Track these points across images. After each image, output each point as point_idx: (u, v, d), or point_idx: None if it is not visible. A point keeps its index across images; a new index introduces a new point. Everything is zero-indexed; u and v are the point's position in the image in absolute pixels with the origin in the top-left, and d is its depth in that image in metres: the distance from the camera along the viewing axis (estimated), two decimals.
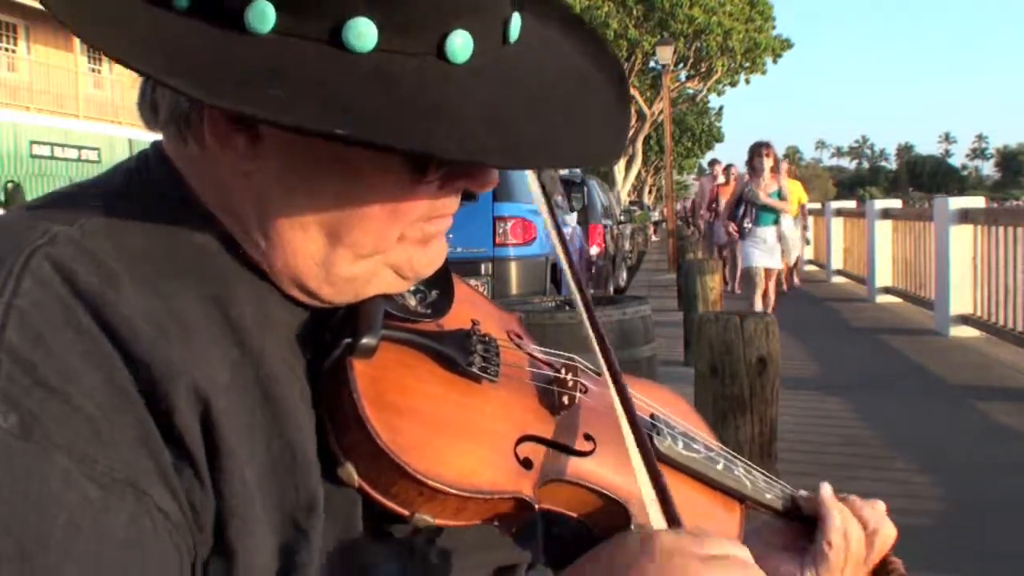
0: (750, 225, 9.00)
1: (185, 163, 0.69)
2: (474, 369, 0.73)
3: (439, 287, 0.80)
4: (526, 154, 0.64)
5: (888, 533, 0.90)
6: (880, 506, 0.92)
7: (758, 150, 9.06)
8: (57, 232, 0.61)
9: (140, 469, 0.57)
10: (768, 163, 8.97)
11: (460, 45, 0.61)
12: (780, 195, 9.02)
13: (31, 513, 0.52)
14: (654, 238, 35.46)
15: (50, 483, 0.53)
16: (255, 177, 0.66)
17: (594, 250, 13.12)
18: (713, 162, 15.38)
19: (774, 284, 9.51)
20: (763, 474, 0.93)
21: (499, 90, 0.64)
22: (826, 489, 0.89)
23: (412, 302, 0.77)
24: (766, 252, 9.06)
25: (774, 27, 35.03)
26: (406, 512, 0.67)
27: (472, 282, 0.88)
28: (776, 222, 9.02)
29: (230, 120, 0.63)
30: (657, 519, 0.69)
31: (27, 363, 0.55)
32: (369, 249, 0.68)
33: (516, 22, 0.66)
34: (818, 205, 17.23)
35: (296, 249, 0.67)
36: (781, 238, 9.13)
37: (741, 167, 14.24)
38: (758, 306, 8.79)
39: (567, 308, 4.48)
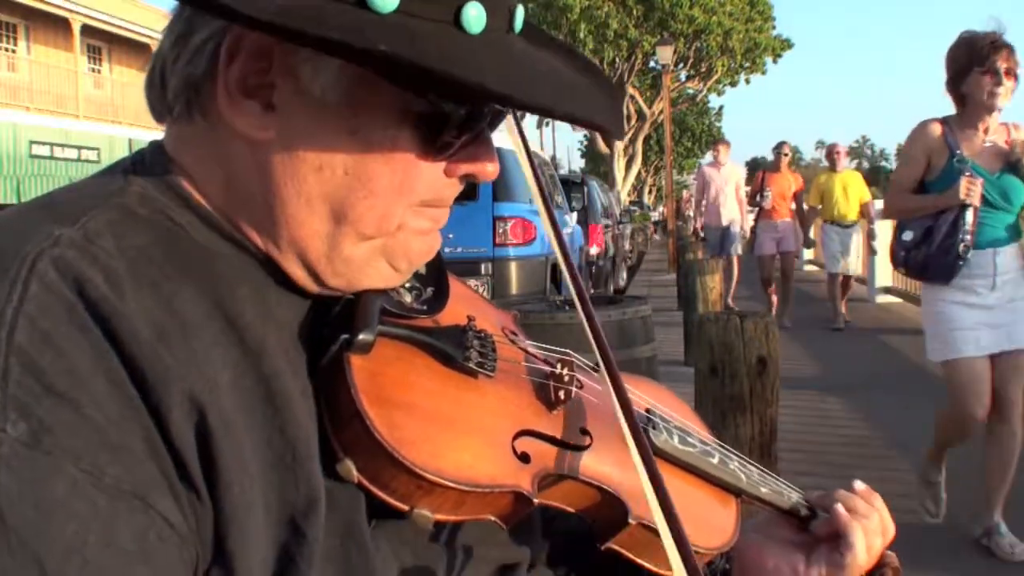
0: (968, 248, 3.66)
1: (187, 148, 0.69)
2: (470, 364, 0.73)
3: (434, 285, 0.80)
4: (552, 102, 0.65)
5: (889, 533, 0.91)
6: (877, 500, 0.93)
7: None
8: (60, 234, 0.61)
9: (148, 480, 0.57)
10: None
11: (475, 17, 0.62)
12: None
13: (40, 523, 0.52)
14: (655, 238, 35.48)
15: (58, 492, 0.53)
16: (263, 149, 0.66)
17: (594, 250, 13.12)
18: (716, 142, 12.35)
19: None
20: (758, 468, 0.94)
21: (511, 62, 0.65)
22: (842, 508, 0.89)
23: (408, 299, 0.77)
24: None
25: (774, 27, 35.01)
26: (405, 507, 0.67)
27: (472, 282, 0.88)
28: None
29: (242, 85, 0.64)
30: (655, 509, 0.69)
31: (37, 368, 0.54)
32: (372, 229, 0.68)
33: (520, 13, 0.68)
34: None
35: (302, 221, 0.67)
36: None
37: (739, 165, 12.44)
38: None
39: (567, 308, 4.48)
